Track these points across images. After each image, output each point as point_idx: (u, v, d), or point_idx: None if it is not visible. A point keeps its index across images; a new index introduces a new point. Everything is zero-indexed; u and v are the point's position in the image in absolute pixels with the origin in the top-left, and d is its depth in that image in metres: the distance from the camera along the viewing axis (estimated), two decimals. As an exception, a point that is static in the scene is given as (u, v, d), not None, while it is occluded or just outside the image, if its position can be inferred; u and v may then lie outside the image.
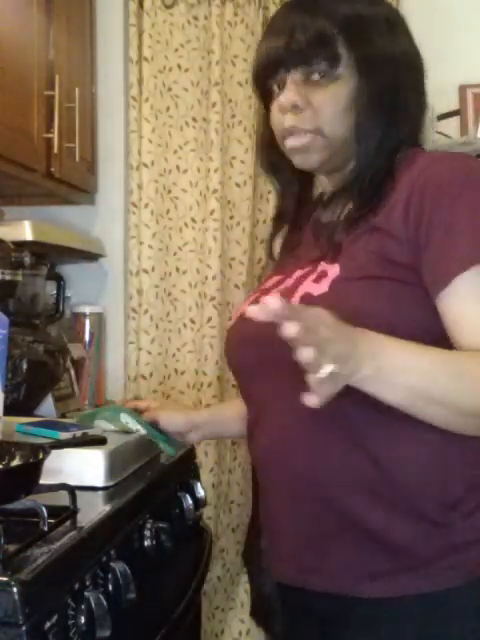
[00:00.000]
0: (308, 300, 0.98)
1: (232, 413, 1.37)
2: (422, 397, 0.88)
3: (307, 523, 1.01)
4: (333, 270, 0.99)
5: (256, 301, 1.07)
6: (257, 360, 1.06)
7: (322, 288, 0.99)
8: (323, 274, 1.00)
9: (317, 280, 1.00)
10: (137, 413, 1.33)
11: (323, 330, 0.79)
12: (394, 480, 0.95)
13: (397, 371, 0.87)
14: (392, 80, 1.02)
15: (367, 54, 1.01)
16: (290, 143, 1.04)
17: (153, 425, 1.32)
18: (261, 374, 1.06)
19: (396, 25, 1.06)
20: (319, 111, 1.01)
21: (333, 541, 0.98)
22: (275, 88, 1.06)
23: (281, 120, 1.04)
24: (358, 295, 0.96)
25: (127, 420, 1.31)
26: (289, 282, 1.06)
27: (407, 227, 0.95)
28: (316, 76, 1.01)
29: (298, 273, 1.05)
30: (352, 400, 0.89)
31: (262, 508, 1.11)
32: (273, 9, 2.24)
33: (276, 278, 1.11)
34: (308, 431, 0.98)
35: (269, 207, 2.29)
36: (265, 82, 1.07)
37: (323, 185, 1.14)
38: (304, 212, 1.16)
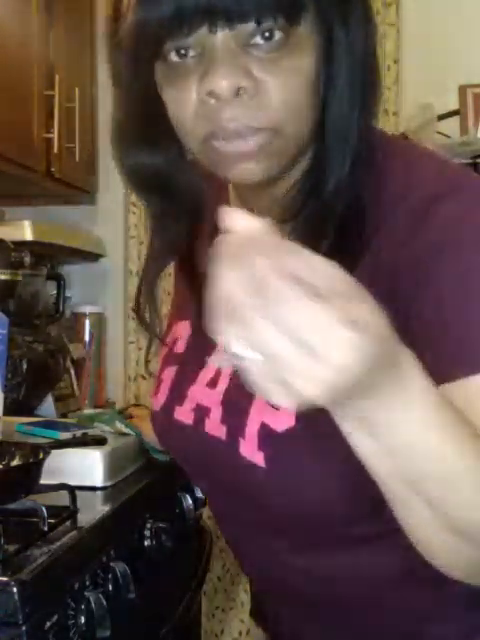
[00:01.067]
0: (271, 439, 0.68)
1: None
2: (425, 501, 0.54)
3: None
4: None
5: (181, 375, 0.82)
6: (218, 490, 0.82)
7: (288, 420, 0.67)
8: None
9: (269, 423, 0.68)
10: (128, 420, 1.34)
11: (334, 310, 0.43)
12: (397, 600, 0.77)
13: (411, 440, 0.51)
14: (366, 40, 0.66)
15: (337, 5, 0.64)
16: (229, 148, 0.64)
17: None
18: (225, 502, 0.82)
19: None
20: (275, 97, 0.62)
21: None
22: (173, 58, 0.63)
23: (206, 115, 0.63)
24: (333, 434, 0.54)
25: (121, 427, 1.32)
26: (221, 375, 0.75)
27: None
28: (261, 39, 0.61)
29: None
30: (338, 532, 0.72)
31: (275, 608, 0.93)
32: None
33: (186, 331, 0.86)
34: (298, 563, 0.79)
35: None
36: (156, 46, 0.63)
37: (239, 201, 0.77)
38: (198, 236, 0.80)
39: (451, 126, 2.23)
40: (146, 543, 1.16)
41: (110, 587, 0.98)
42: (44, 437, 1.25)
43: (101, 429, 1.31)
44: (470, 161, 1.97)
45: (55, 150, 1.89)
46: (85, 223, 2.32)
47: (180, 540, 1.30)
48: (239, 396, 0.68)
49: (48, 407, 1.74)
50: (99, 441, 1.18)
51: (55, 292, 1.99)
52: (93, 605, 0.89)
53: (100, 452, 1.18)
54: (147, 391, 2.29)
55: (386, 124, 2.19)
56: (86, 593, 0.90)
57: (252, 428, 0.69)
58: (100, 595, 0.91)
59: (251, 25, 0.60)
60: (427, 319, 0.61)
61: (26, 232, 1.79)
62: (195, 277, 0.81)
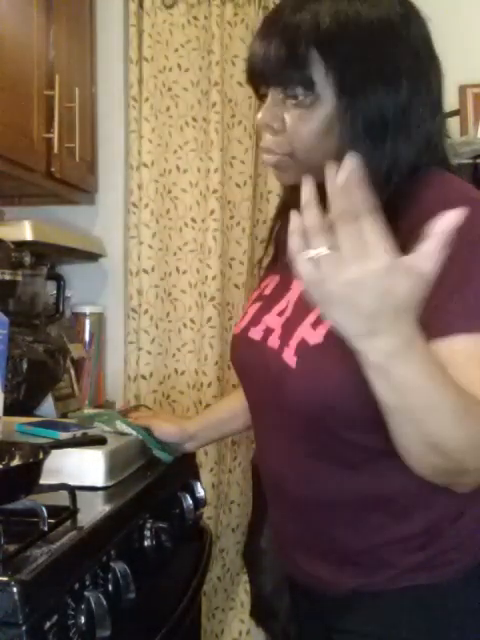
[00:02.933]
0: (304, 349, 0.93)
1: (225, 414, 1.37)
2: (411, 421, 0.78)
3: (307, 535, 1.03)
4: None
5: (263, 307, 1.06)
6: (258, 391, 1.04)
7: (317, 337, 0.92)
8: (319, 320, 0.92)
9: (315, 325, 0.93)
10: (131, 420, 1.34)
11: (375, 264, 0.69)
12: (384, 509, 0.96)
13: (408, 385, 0.75)
14: (378, 105, 0.90)
15: (347, 75, 0.90)
16: (264, 158, 1.00)
17: (148, 431, 1.32)
18: (262, 403, 1.05)
19: (396, 30, 0.91)
20: (293, 135, 0.94)
21: (329, 556, 1.01)
22: (261, 97, 0.99)
23: (260, 133, 1.00)
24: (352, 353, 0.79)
25: (122, 427, 1.32)
26: (288, 306, 1.01)
27: None
28: (293, 98, 0.93)
29: (296, 287, 1.00)
30: (342, 440, 0.92)
31: (271, 511, 1.12)
32: (273, 9, 2.24)
33: (274, 280, 1.09)
34: (302, 467, 0.99)
35: (269, 207, 2.29)
36: (256, 88, 0.99)
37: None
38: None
39: (451, 126, 2.23)
40: (146, 543, 1.16)
41: (110, 587, 0.98)
42: (44, 437, 1.25)
43: (101, 429, 1.32)
44: (470, 161, 1.97)
45: (55, 150, 1.89)
46: (85, 223, 2.32)
47: (180, 540, 1.30)
48: (295, 320, 0.96)
49: (48, 407, 1.74)
50: (99, 441, 1.18)
51: (55, 292, 1.99)
52: (93, 605, 0.89)
53: (100, 452, 1.18)
54: (147, 391, 2.29)
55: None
56: (86, 593, 0.90)
57: (295, 341, 0.94)
58: (100, 595, 0.91)
59: (283, 89, 0.93)
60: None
61: (26, 232, 1.79)
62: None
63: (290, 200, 1.06)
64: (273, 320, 1.02)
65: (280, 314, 1.01)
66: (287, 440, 1.00)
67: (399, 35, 0.92)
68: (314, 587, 1.04)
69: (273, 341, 0.99)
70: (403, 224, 0.83)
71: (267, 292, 1.09)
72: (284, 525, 1.08)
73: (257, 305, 1.09)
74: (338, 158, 0.82)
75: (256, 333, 1.04)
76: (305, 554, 1.04)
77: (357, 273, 0.70)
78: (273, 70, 0.92)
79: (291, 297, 1.01)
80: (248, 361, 1.06)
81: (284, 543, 1.09)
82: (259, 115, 0.97)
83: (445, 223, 0.69)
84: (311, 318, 0.94)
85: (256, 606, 2.22)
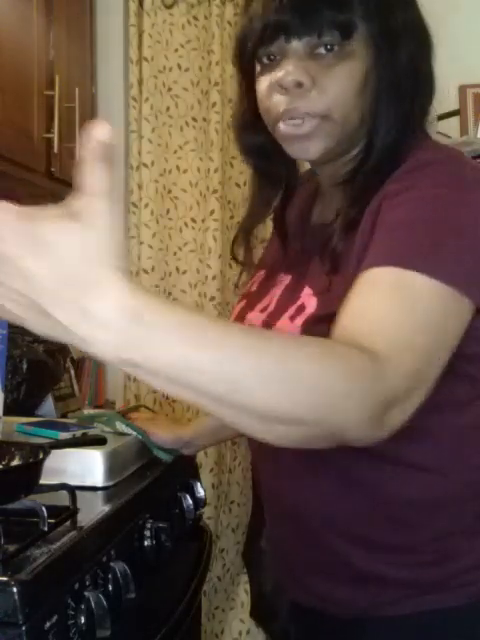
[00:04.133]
0: (300, 316, 0.90)
1: (217, 422, 1.35)
2: (208, 399, 0.61)
3: (312, 555, 0.98)
4: (311, 304, 0.88)
5: (246, 305, 1.02)
6: None
7: (295, 328, 0.87)
8: (301, 308, 0.89)
9: (293, 317, 0.89)
10: (130, 421, 1.34)
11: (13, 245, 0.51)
12: (387, 521, 0.91)
13: (159, 364, 0.57)
14: (410, 58, 0.86)
15: (387, 26, 0.85)
16: (288, 130, 0.86)
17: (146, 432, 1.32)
18: None
19: None
20: (328, 92, 0.84)
21: (338, 575, 0.95)
22: (264, 60, 0.87)
23: (276, 101, 0.86)
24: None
25: (122, 427, 1.32)
26: (271, 301, 0.97)
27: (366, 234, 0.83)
28: (323, 49, 0.83)
29: (281, 281, 0.98)
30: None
31: (270, 528, 1.08)
32: (273, 9, 2.24)
33: (260, 276, 1.05)
34: (300, 475, 0.94)
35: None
36: (253, 51, 0.87)
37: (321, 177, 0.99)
38: (289, 203, 1.02)
39: (451, 126, 2.23)
40: (146, 543, 1.16)
41: (110, 587, 0.98)
42: (44, 437, 1.25)
43: (101, 429, 1.31)
44: (470, 161, 1.96)
45: (55, 150, 1.89)
46: (85, 223, 2.31)
47: (180, 540, 1.30)
48: (275, 315, 0.92)
49: (48, 407, 1.74)
50: (99, 441, 1.18)
51: (55, 292, 1.99)
52: (93, 605, 0.89)
53: (100, 452, 1.18)
54: (147, 391, 2.29)
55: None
56: (86, 593, 0.90)
57: (285, 319, 0.89)
58: (100, 595, 0.91)
59: (314, 38, 0.83)
60: (377, 224, 0.81)
61: (26, 232, 1.79)
62: (282, 232, 1.03)
63: (265, 196, 1.02)
64: (256, 317, 0.98)
65: (263, 311, 0.97)
66: (274, 448, 0.93)
67: None
68: (320, 609, 0.98)
69: (268, 321, 0.95)
70: (388, 184, 0.82)
71: (253, 289, 1.04)
72: (284, 542, 1.03)
73: (242, 303, 1.04)
74: (371, 120, 0.86)
75: (255, 317, 0.99)
76: (309, 571, 0.99)
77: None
78: (307, 14, 0.81)
79: (275, 292, 0.97)
80: None
81: (284, 560, 1.04)
82: (280, 73, 0.84)
83: (94, 144, 0.52)
84: (291, 311, 0.90)
85: (256, 606, 2.22)
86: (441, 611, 0.90)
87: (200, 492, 1.48)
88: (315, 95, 0.84)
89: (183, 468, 1.46)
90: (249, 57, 0.89)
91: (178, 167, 2.31)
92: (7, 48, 1.72)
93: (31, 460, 1.00)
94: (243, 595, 2.33)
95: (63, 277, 0.51)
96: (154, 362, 0.56)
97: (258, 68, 0.89)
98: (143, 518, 1.18)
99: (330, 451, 0.76)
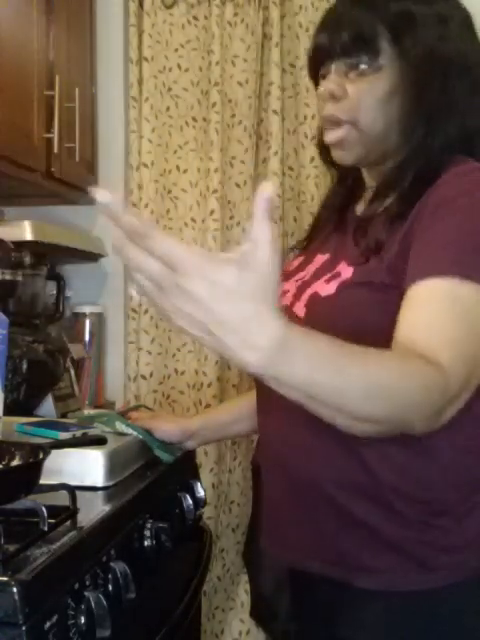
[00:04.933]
0: (314, 299, 1.01)
1: (227, 418, 1.37)
2: (321, 406, 0.78)
3: (306, 513, 1.03)
4: (347, 272, 1.00)
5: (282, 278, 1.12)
6: None
7: (330, 289, 0.99)
8: (337, 275, 1.00)
9: (328, 280, 1.01)
10: (130, 421, 1.34)
11: (199, 288, 0.65)
12: (384, 484, 0.96)
13: (294, 382, 0.74)
14: (437, 78, 0.99)
15: (409, 48, 0.99)
16: (327, 138, 1.05)
17: (148, 431, 1.32)
18: None
19: (451, 23, 1.02)
20: (356, 101, 1.01)
21: (330, 532, 1.00)
22: (320, 78, 1.07)
23: (321, 108, 1.06)
24: (362, 304, 0.96)
25: (122, 428, 1.32)
26: (307, 274, 1.08)
27: (405, 240, 0.95)
28: (357, 68, 1.01)
29: (318, 259, 1.08)
30: None
31: (265, 491, 1.13)
32: (273, 9, 2.24)
33: (299, 259, 1.15)
34: (303, 434, 1.00)
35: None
36: (316, 73, 1.07)
37: (367, 179, 1.13)
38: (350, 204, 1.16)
39: None
40: (146, 543, 1.16)
41: (110, 587, 0.98)
42: (44, 437, 1.25)
43: (101, 429, 1.31)
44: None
45: (55, 150, 1.89)
46: (85, 223, 2.32)
47: (180, 540, 1.30)
48: (311, 281, 1.05)
49: (48, 407, 1.74)
50: (99, 441, 1.18)
51: (55, 292, 1.99)
52: (93, 605, 0.89)
53: (100, 452, 1.18)
54: (147, 391, 2.29)
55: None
56: (86, 593, 0.90)
57: (307, 295, 1.03)
58: (100, 595, 0.91)
59: (348, 59, 1.01)
60: (414, 240, 0.94)
61: (26, 232, 1.79)
62: (337, 223, 1.14)
63: (332, 198, 1.18)
64: (290, 285, 1.09)
65: (298, 280, 1.09)
66: (289, 412, 0.98)
67: (458, 26, 1.03)
68: (308, 569, 1.04)
69: (286, 300, 1.06)
70: (430, 192, 0.95)
71: (289, 268, 1.15)
72: (284, 508, 1.07)
73: (288, 270, 1.15)
74: (399, 131, 1.01)
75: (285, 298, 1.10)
76: (300, 525, 1.04)
77: (197, 286, 0.65)
78: (342, 44, 1.00)
79: (312, 268, 1.09)
80: None
81: (282, 523, 1.08)
82: (321, 88, 1.04)
83: (261, 201, 0.66)
84: (326, 277, 1.02)
85: (256, 606, 2.22)
86: (426, 591, 0.96)
87: (200, 492, 1.48)
88: (345, 104, 1.02)
89: (183, 468, 1.46)
90: (314, 77, 1.08)
91: (178, 167, 2.31)
92: (7, 48, 1.72)
93: (31, 460, 1.00)
94: (243, 595, 2.33)
95: (233, 311, 0.66)
96: (289, 379, 0.73)
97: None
98: (143, 518, 1.18)
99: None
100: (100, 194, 0.64)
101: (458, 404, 0.86)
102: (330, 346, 0.76)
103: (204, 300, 0.65)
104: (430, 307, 0.88)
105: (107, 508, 1.09)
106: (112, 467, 1.20)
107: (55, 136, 1.88)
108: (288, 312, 1.01)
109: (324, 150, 1.13)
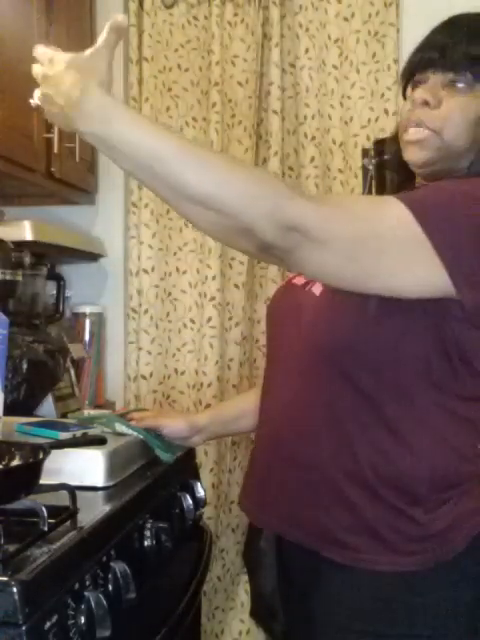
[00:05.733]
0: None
1: (233, 413, 1.39)
2: (147, 172, 0.88)
3: (290, 479, 1.08)
4: None
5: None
6: (281, 333, 1.16)
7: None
8: None
9: None
10: (130, 421, 1.34)
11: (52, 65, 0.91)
12: (368, 467, 1.01)
13: (124, 144, 0.87)
14: None
15: None
16: (410, 134, 1.08)
17: (148, 431, 1.32)
18: (280, 347, 1.15)
19: None
20: (447, 113, 1.05)
21: (310, 500, 1.06)
22: (410, 87, 1.11)
23: (407, 113, 1.10)
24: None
25: (122, 428, 1.32)
26: None
27: None
28: (455, 85, 1.05)
29: None
30: (340, 388, 1.02)
31: (252, 457, 1.22)
32: (273, 9, 2.24)
33: None
34: (299, 407, 1.07)
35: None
36: (411, 75, 1.11)
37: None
38: None
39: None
40: (146, 543, 1.16)
41: (110, 587, 0.98)
42: (44, 437, 1.25)
43: (101, 430, 1.31)
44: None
45: (55, 150, 1.89)
46: (85, 223, 2.32)
47: (180, 540, 1.30)
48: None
49: (48, 407, 1.74)
50: (99, 441, 1.18)
51: (55, 292, 1.99)
52: (93, 605, 0.89)
53: (100, 452, 1.18)
54: (147, 391, 2.29)
55: (386, 124, 2.19)
56: (86, 593, 0.90)
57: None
58: (100, 595, 0.91)
59: (449, 74, 1.05)
60: None
61: (26, 232, 1.79)
62: None
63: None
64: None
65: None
66: (293, 380, 1.10)
67: None
68: (287, 534, 1.09)
69: (318, 287, 1.11)
70: None
71: None
72: (269, 470, 1.12)
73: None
74: (475, 153, 1.06)
75: (299, 280, 1.16)
76: (285, 494, 1.09)
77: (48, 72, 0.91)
78: (453, 60, 1.05)
79: None
80: (281, 305, 1.20)
81: (266, 489, 1.13)
82: (417, 93, 1.08)
83: (113, 20, 0.91)
84: None
85: (256, 606, 2.22)
86: (391, 573, 1.01)
87: (200, 492, 1.48)
88: (436, 113, 1.06)
89: (183, 468, 1.46)
90: (408, 80, 1.12)
91: (178, 167, 2.31)
92: (7, 48, 1.72)
93: (31, 460, 1.00)
94: (243, 595, 2.33)
95: (66, 77, 0.89)
96: (109, 138, 0.87)
97: (409, 91, 1.12)
98: (143, 518, 1.18)
99: (328, 392, 1.03)
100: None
101: (320, 247, 0.89)
102: (154, 122, 0.93)
103: (48, 75, 0.91)
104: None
105: (107, 508, 1.09)
106: (112, 467, 1.20)
107: (55, 136, 1.88)
108: (304, 293, 1.11)
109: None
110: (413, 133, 1.08)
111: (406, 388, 1.01)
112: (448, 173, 1.08)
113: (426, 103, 1.06)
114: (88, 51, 0.91)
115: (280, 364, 1.16)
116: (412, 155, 1.10)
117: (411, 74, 1.11)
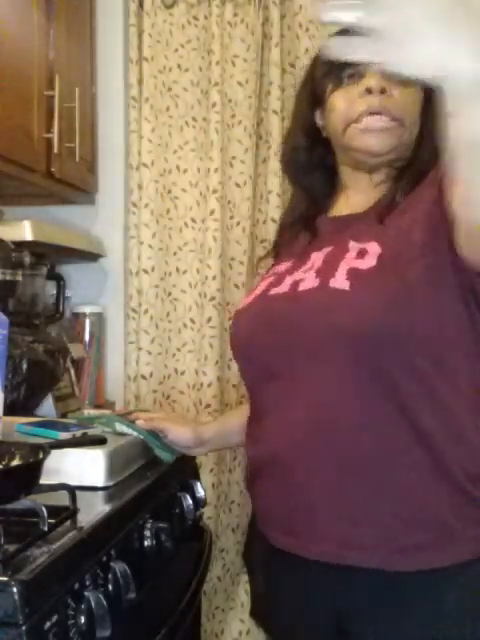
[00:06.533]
0: (356, 273, 1.02)
1: (236, 424, 1.35)
2: None
3: (345, 495, 1.01)
4: (373, 247, 1.04)
5: (282, 275, 1.14)
6: (273, 343, 1.08)
7: (369, 263, 1.02)
8: (364, 251, 1.04)
9: (360, 256, 1.04)
10: (130, 421, 1.34)
11: None
12: (430, 449, 0.98)
13: None
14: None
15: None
16: (370, 123, 1.08)
17: (149, 431, 1.32)
18: (278, 358, 1.08)
19: None
20: (402, 103, 1.08)
21: (369, 511, 1.00)
22: (345, 79, 1.11)
23: (359, 104, 1.09)
24: (410, 275, 0.99)
25: (122, 428, 1.32)
26: (316, 262, 1.10)
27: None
28: (397, 76, 1.03)
29: (318, 254, 1.11)
30: (392, 366, 0.98)
31: (264, 485, 1.12)
32: (273, 9, 2.24)
33: (288, 263, 1.17)
34: (349, 403, 1.01)
35: (269, 207, 2.29)
36: (342, 70, 1.11)
37: (348, 179, 1.20)
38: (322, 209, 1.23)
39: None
40: (146, 543, 1.16)
41: (110, 587, 0.98)
42: (44, 437, 1.25)
43: (101, 430, 1.31)
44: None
45: (55, 150, 1.89)
46: (85, 223, 2.32)
47: (180, 540, 1.30)
48: (330, 264, 1.07)
49: (48, 407, 1.74)
50: (99, 441, 1.18)
51: (55, 292, 1.99)
52: (93, 605, 0.89)
53: (100, 452, 1.18)
54: (147, 391, 2.29)
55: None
56: (86, 593, 0.90)
57: (342, 271, 1.04)
58: (100, 595, 0.91)
59: None
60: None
61: (26, 232, 1.79)
62: (313, 229, 1.21)
63: (302, 206, 1.24)
64: (300, 274, 1.11)
65: (306, 271, 1.10)
66: (314, 382, 1.03)
67: None
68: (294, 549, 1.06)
69: (308, 284, 1.07)
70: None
71: (281, 270, 1.17)
72: (315, 491, 1.04)
73: (270, 279, 1.17)
74: (422, 136, 1.08)
75: (282, 288, 1.11)
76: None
77: None
78: None
79: (315, 261, 1.10)
80: (271, 315, 1.11)
81: (318, 517, 1.04)
82: (371, 81, 1.07)
83: None
84: (352, 254, 1.05)
85: (256, 606, 2.22)
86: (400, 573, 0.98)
87: (200, 492, 1.48)
88: (395, 101, 1.08)
89: (183, 468, 1.46)
90: (335, 76, 1.11)
91: (178, 167, 2.31)
92: (7, 48, 1.71)
93: (31, 460, 1.00)
94: (243, 595, 2.32)
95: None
96: None
97: (330, 88, 1.13)
98: (143, 518, 1.18)
99: (372, 380, 1.00)
100: None
101: None
102: None
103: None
104: None
105: (107, 508, 1.09)
106: (112, 467, 1.20)
107: (55, 136, 1.88)
108: (321, 292, 1.05)
109: (306, 156, 1.21)
110: (377, 122, 1.08)
111: (454, 369, 1.01)
112: (394, 162, 1.11)
113: (384, 91, 1.07)
114: None
115: (290, 376, 1.07)
116: (376, 142, 1.10)
117: (342, 67, 1.10)
